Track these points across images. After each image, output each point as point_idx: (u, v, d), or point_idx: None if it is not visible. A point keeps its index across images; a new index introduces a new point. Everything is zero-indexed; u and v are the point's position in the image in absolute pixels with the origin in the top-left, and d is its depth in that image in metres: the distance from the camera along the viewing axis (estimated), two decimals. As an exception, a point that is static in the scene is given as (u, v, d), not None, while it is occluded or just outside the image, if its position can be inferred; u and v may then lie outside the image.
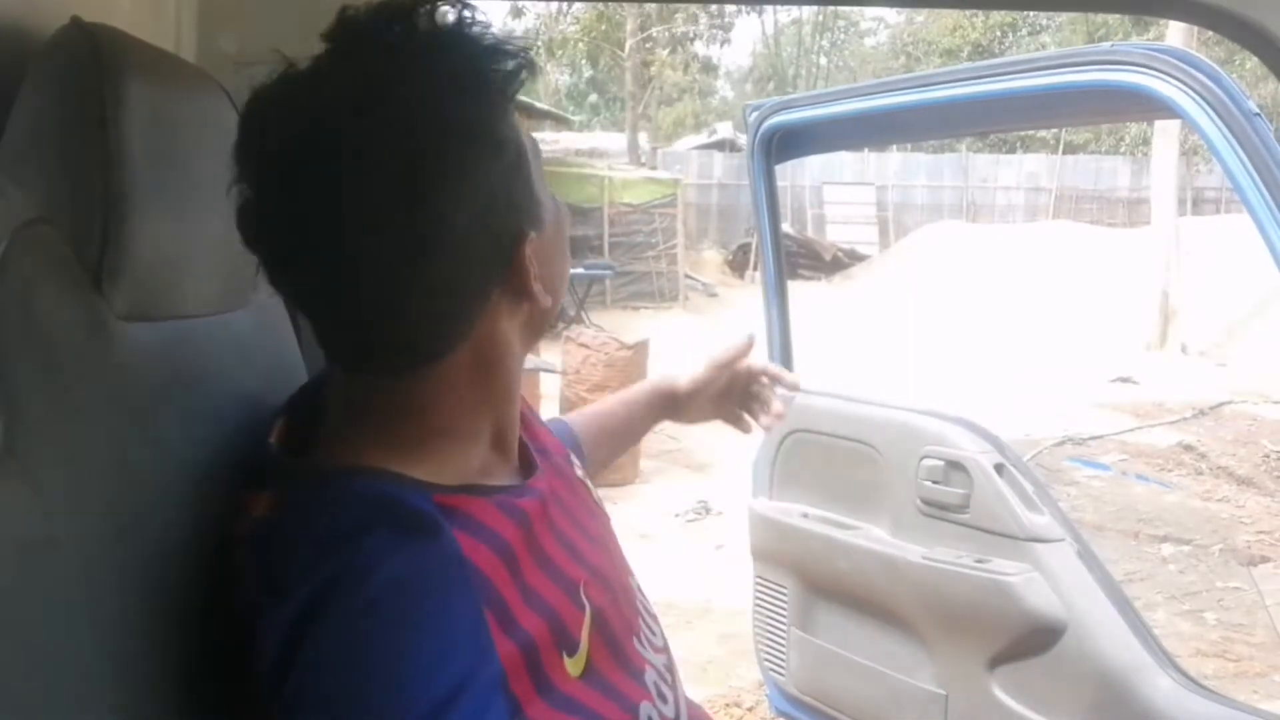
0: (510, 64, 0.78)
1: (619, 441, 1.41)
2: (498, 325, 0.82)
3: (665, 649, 0.97)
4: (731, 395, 1.42)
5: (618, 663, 0.86)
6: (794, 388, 1.44)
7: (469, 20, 0.77)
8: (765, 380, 1.42)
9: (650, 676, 0.88)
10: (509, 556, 0.78)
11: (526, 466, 0.92)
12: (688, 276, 16.02)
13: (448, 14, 0.77)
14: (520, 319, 0.84)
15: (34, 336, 0.68)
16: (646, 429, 1.44)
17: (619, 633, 0.88)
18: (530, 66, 0.80)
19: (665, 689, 0.90)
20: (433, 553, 0.72)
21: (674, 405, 1.40)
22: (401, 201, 0.73)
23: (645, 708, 0.84)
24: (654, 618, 0.99)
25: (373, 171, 0.73)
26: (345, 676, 0.68)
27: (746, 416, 1.44)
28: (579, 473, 1.05)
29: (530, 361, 6.32)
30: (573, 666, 0.80)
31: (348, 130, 0.73)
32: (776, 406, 1.42)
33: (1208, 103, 1.62)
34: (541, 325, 0.88)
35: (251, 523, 0.77)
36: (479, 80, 0.77)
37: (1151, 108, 1.75)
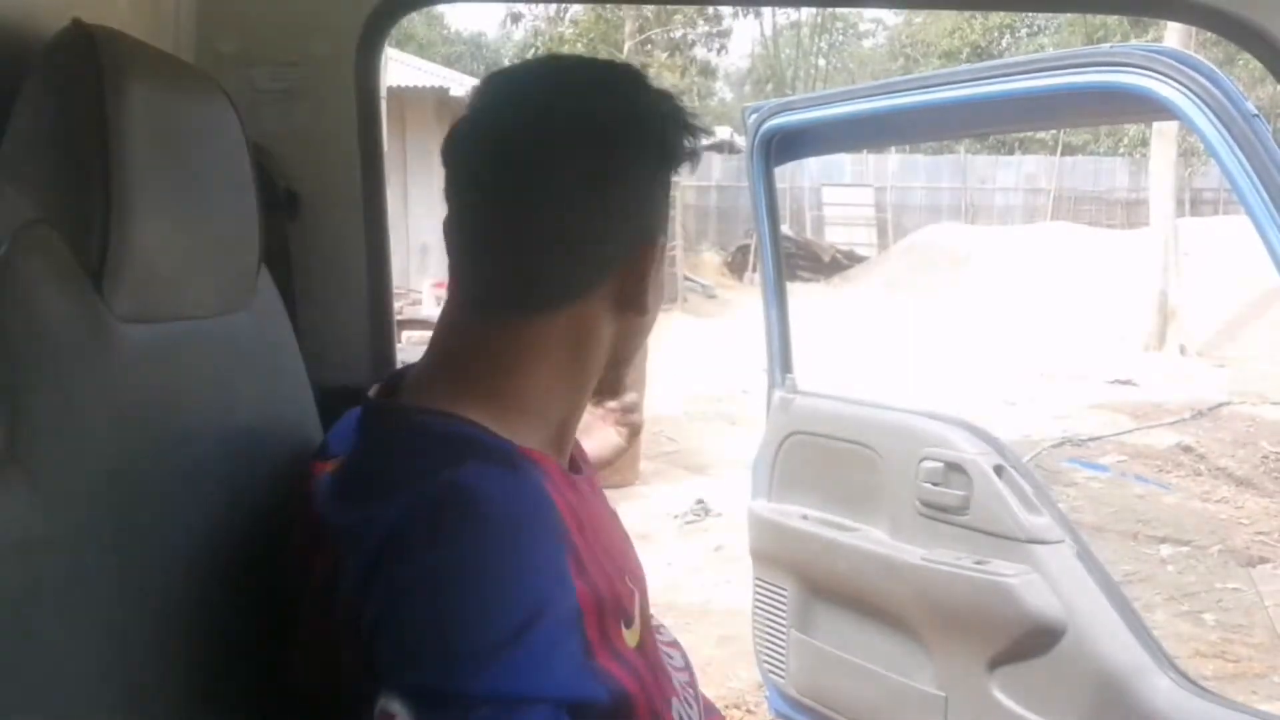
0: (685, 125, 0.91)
1: None
2: (599, 316, 0.88)
3: (687, 669, 1.01)
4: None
5: (659, 653, 0.91)
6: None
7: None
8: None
9: (681, 678, 0.93)
10: (577, 517, 0.82)
11: (574, 468, 0.97)
12: (687, 278, 16.01)
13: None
14: (618, 324, 0.90)
15: (34, 337, 0.68)
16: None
17: (652, 635, 0.92)
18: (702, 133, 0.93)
19: (690, 699, 0.94)
20: (520, 482, 0.77)
21: (616, 437, 1.46)
22: (589, 174, 0.85)
23: (677, 705, 0.88)
24: (673, 644, 1.03)
25: (576, 145, 0.86)
26: (431, 594, 0.70)
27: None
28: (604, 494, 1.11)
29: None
30: (630, 637, 0.83)
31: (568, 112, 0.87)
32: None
33: (1206, 104, 1.62)
34: (632, 345, 0.94)
35: (320, 480, 0.82)
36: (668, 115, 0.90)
37: (1151, 109, 1.75)
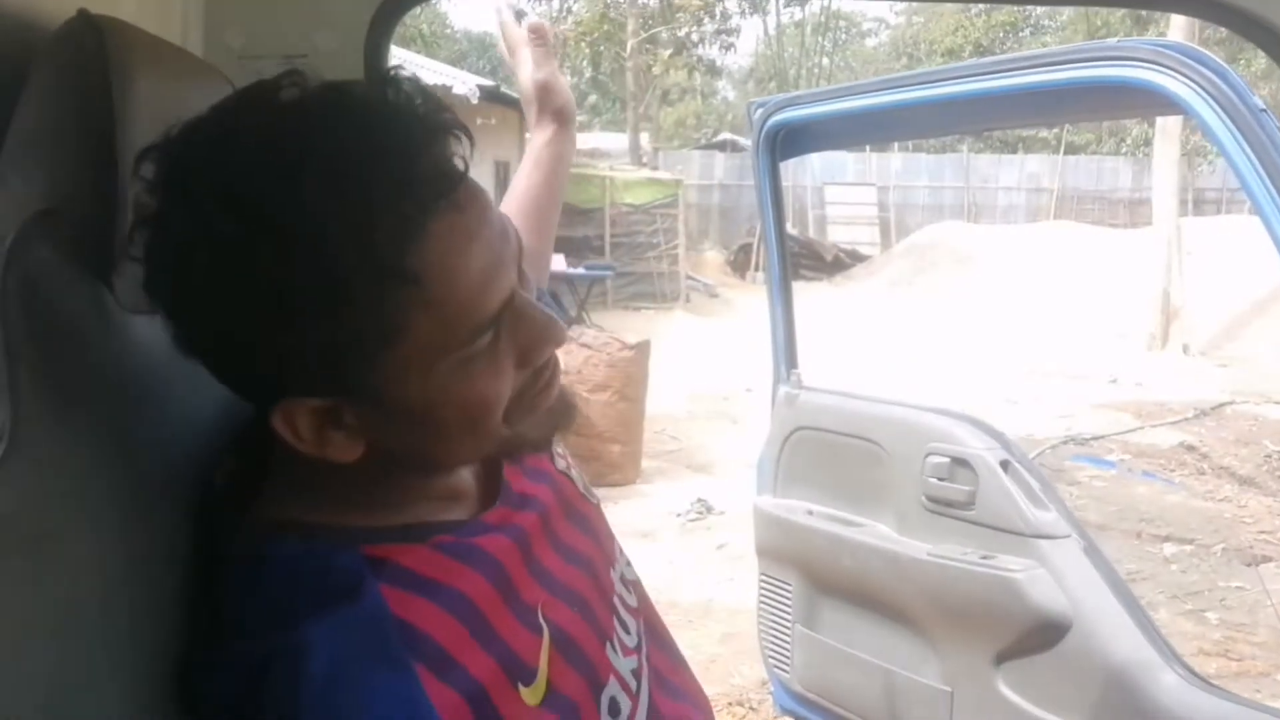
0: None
1: (544, 194, 1.27)
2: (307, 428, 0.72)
3: (637, 649, 0.93)
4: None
5: (583, 679, 0.83)
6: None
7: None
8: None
9: (609, 692, 0.85)
10: (452, 600, 0.75)
11: (490, 495, 0.87)
12: (689, 277, 16.01)
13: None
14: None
15: (41, 327, 0.68)
16: (553, 174, 1.28)
17: (584, 646, 0.85)
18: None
19: (624, 701, 0.86)
20: (351, 617, 0.70)
21: (546, 127, 1.27)
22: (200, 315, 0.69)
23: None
24: (632, 612, 0.96)
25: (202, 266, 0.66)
26: None
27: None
28: (560, 465, 1.00)
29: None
30: (530, 695, 0.76)
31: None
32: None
33: (1214, 99, 1.62)
34: (413, 464, 0.79)
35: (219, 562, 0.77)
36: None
37: (1158, 104, 1.75)
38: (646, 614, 0.99)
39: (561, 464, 1.00)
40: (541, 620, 0.81)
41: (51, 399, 0.67)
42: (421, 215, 0.66)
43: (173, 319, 0.70)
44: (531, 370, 0.77)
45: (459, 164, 0.70)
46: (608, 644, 0.88)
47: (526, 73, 1.24)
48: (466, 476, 0.86)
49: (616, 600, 0.94)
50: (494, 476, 0.88)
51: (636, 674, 0.90)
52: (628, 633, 0.93)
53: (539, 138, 1.26)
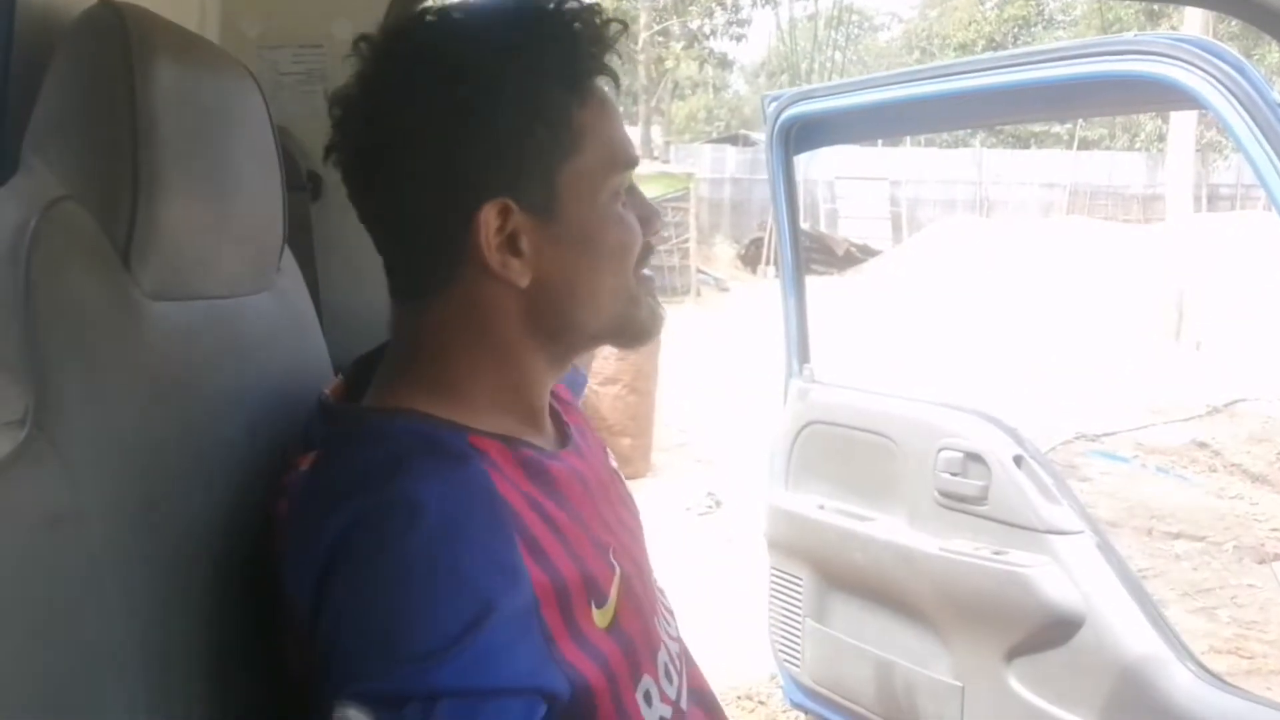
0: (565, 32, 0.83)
1: None
2: (483, 289, 0.84)
3: (679, 639, 0.98)
4: None
5: (641, 629, 0.87)
6: None
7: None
8: None
9: (663, 656, 0.90)
10: (535, 504, 0.81)
11: (562, 439, 0.95)
12: (700, 271, 16.01)
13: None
14: (513, 295, 0.85)
15: (63, 313, 0.68)
16: None
17: (645, 605, 0.90)
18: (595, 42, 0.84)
19: (673, 672, 0.91)
20: (461, 477, 0.77)
21: None
22: (406, 131, 0.81)
23: (647, 681, 0.85)
24: (671, 612, 1.01)
25: (395, 101, 0.82)
26: (378, 601, 0.71)
27: None
28: (613, 464, 1.08)
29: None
30: (600, 618, 0.81)
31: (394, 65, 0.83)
32: None
33: (1232, 93, 1.61)
34: (551, 321, 0.87)
35: (295, 475, 0.81)
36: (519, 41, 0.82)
37: (1174, 99, 1.74)
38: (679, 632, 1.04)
39: (614, 463, 1.08)
40: (613, 559, 0.87)
41: (74, 384, 0.67)
42: (595, 62, 0.85)
43: (390, 147, 0.82)
44: (645, 243, 0.90)
45: None
46: (657, 618, 0.93)
47: None
48: (546, 409, 0.93)
49: (658, 594, 1.00)
50: (563, 429, 0.97)
51: (680, 658, 0.96)
52: (669, 625, 0.98)
53: None
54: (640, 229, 0.89)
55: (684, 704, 0.91)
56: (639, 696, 0.83)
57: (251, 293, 0.96)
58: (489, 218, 0.81)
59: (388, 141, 0.82)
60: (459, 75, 0.80)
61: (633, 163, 0.88)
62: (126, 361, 0.74)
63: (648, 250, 0.91)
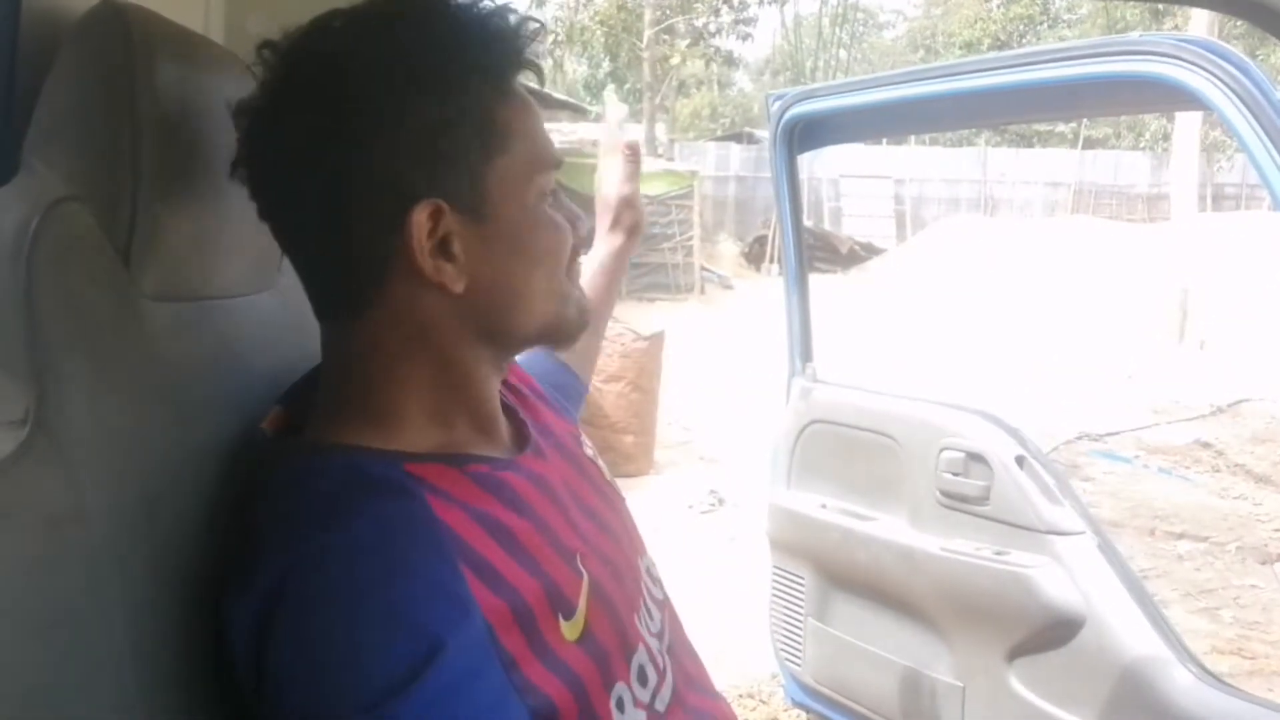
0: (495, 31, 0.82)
1: (600, 310, 1.35)
2: (416, 298, 0.81)
3: (660, 635, 0.95)
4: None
5: (616, 633, 0.85)
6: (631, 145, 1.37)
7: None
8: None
9: (639, 658, 0.87)
10: (489, 523, 0.78)
11: (522, 443, 0.92)
12: (704, 269, 15.99)
13: None
14: (447, 302, 0.81)
15: (64, 314, 0.68)
16: (617, 282, 1.40)
17: (619, 606, 0.88)
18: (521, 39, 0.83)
19: (651, 673, 0.88)
20: (398, 512, 0.74)
21: (620, 250, 1.37)
22: (319, 139, 0.78)
23: (620, 687, 0.83)
24: (659, 604, 0.98)
25: (305, 108, 0.78)
26: (319, 655, 0.69)
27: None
28: (589, 452, 1.06)
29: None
30: (569, 630, 0.79)
31: (301, 73, 0.80)
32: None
33: (1236, 94, 1.60)
34: (488, 326, 0.85)
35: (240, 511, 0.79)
36: (442, 35, 0.81)
37: (1179, 99, 1.73)
38: (670, 611, 1.01)
39: (590, 451, 1.06)
40: (581, 566, 0.84)
41: (75, 384, 0.67)
42: (514, 60, 0.83)
43: (304, 158, 0.78)
44: (573, 242, 0.89)
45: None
46: (636, 616, 0.91)
47: (612, 183, 1.34)
48: (497, 414, 0.90)
49: (644, 585, 0.97)
50: (522, 430, 0.94)
51: (663, 654, 0.93)
52: (652, 619, 0.95)
53: (607, 246, 1.35)
54: (569, 229, 0.88)
55: (661, 706, 0.88)
56: (612, 704, 0.81)
57: (252, 293, 0.96)
58: (420, 220, 0.78)
59: (300, 151, 0.78)
60: (372, 76, 0.77)
61: (557, 163, 0.87)
62: (127, 361, 0.74)
63: (577, 251, 0.90)
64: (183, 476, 0.77)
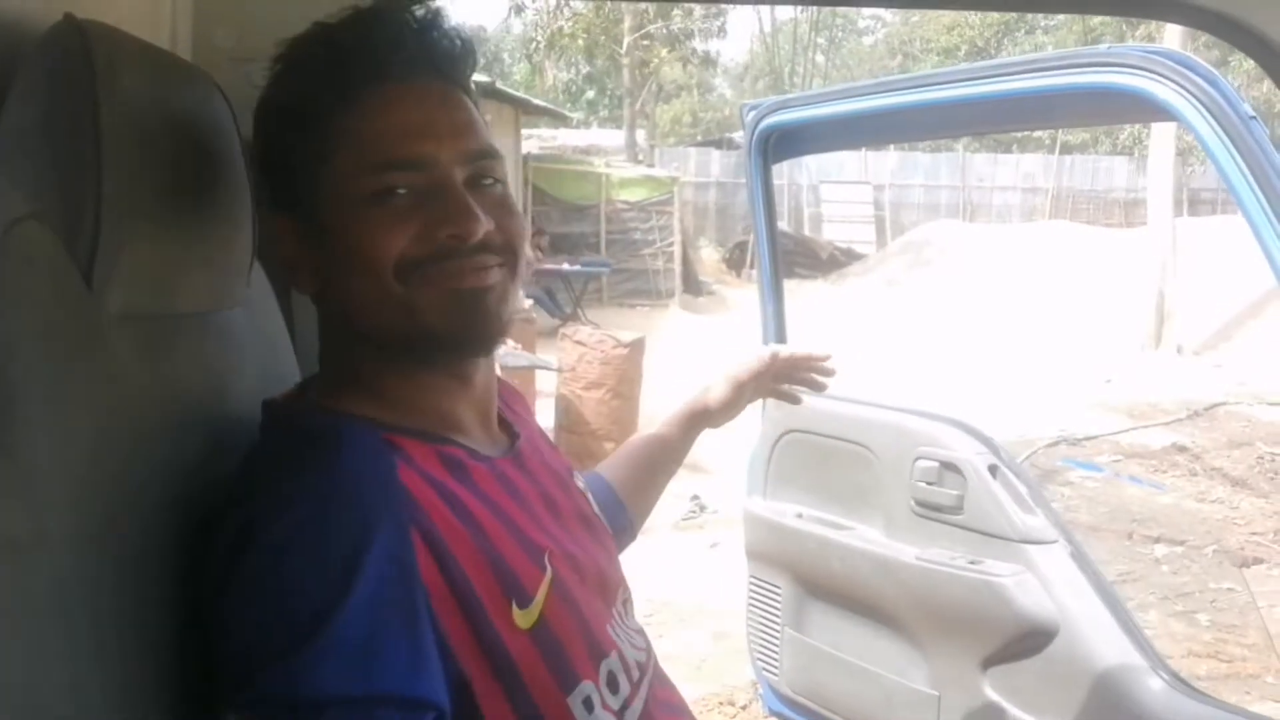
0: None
1: (660, 467, 1.45)
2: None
3: (645, 653, 0.97)
4: (762, 392, 1.50)
5: (579, 634, 0.86)
6: (826, 360, 1.49)
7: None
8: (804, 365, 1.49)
9: (609, 665, 0.88)
10: (450, 498, 0.82)
11: (507, 451, 0.95)
12: (700, 279, 16.01)
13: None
14: (322, 303, 0.91)
15: (25, 334, 0.68)
16: (686, 448, 1.47)
17: (586, 610, 0.89)
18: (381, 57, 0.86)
19: (623, 682, 0.89)
20: (363, 469, 0.79)
21: (707, 419, 1.46)
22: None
23: (586, 686, 0.83)
24: (638, 631, 1.00)
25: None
26: (253, 599, 0.72)
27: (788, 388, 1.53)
28: (580, 484, 1.08)
29: (526, 359, 6.30)
30: (521, 619, 0.81)
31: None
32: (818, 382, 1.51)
33: (1204, 106, 1.61)
34: (355, 328, 0.88)
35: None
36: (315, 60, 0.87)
37: (1148, 110, 1.74)
38: (651, 653, 1.01)
39: (580, 484, 1.09)
40: (547, 562, 0.86)
41: (36, 406, 0.66)
42: (369, 69, 0.85)
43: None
44: (434, 244, 0.84)
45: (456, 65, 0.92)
46: (609, 625, 0.92)
47: (733, 397, 1.45)
48: (471, 414, 0.92)
49: (619, 610, 0.98)
50: (514, 444, 0.96)
51: (641, 667, 0.94)
52: (636, 646, 0.96)
53: (691, 432, 1.46)
54: (418, 235, 0.83)
55: (631, 717, 0.89)
56: (573, 701, 0.82)
57: (219, 309, 0.96)
58: (281, 227, 0.88)
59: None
60: (262, 111, 0.90)
61: (402, 162, 0.84)
62: (90, 381, 0.74)
63: (436, 255, 0.84)
64: (148, 494, 0.77)
